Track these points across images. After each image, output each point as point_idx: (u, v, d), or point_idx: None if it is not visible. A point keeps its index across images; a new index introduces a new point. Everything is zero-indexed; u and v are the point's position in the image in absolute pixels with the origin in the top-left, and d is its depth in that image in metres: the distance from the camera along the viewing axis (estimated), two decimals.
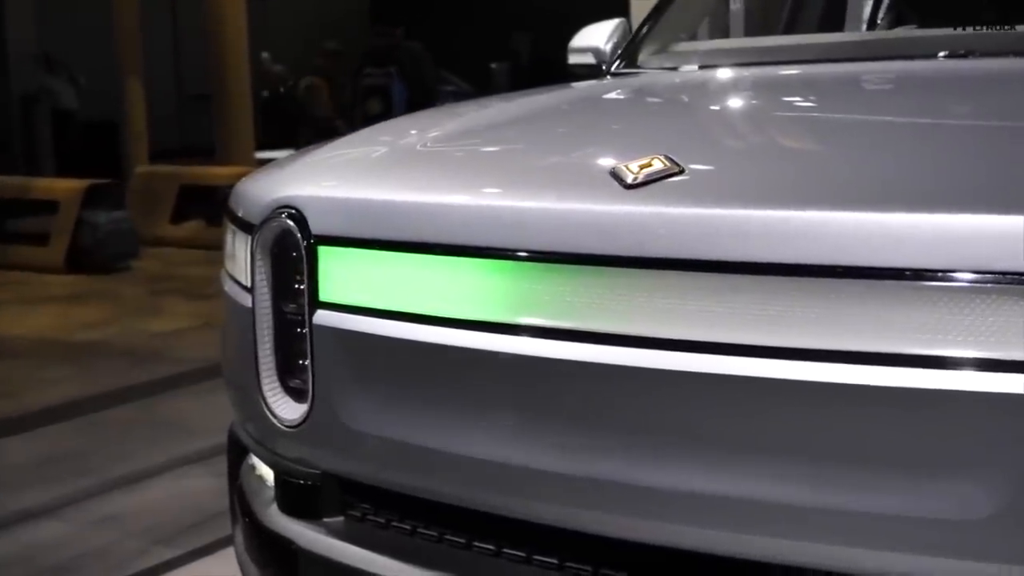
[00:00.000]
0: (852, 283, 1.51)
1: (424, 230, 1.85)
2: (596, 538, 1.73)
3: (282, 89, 15.37)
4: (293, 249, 2.00)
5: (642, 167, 1.72)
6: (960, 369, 1.46)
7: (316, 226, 1.97)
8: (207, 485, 4.29)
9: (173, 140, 17.84)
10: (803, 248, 1.53)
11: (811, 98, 2.49)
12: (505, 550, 1.84)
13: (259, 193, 2.14)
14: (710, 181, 1.76)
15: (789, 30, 4.00)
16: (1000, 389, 1.43)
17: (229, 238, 2.26)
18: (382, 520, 2.00)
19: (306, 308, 1.97)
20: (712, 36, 4.74)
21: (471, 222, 1.80)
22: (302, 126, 13.92)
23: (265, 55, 14.06)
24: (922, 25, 3.44)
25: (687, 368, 1.60)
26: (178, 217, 10.80)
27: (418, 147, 2.17)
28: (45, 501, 4.30)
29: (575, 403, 1.70)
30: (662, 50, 3.12)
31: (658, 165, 1.72)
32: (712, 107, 2.50)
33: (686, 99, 2.59)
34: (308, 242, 1.97)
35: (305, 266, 1.97)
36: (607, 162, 1.77)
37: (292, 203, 2.02)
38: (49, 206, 9.87)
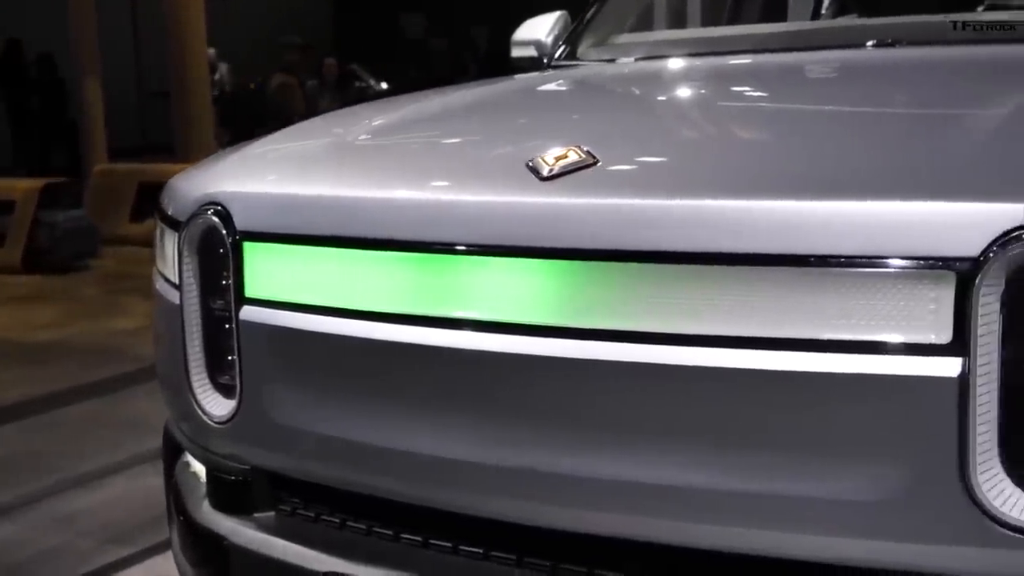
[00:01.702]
0: (761, 270, 1.52)
1: (345, 225, 1.85)
2: (519, 527, 1.74)
3: (227, 88, 15.09)
4: (219, 245, 2.00)
5: (558, 159, 1.73)
6: (864, 353, 1.48)
7: (241, 222, 1.97)
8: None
9: (134, 138, 17.75)
10: (709, 237, 1.54)
11: (737, 89, 2.50)
12: (432, 541, 1.85)
13: (186, 190, 2.14)
14: (623, 172, 1.77)
15: (733, 21, 4.02)
16: (901, 372, 1.45)
17: (159, 235, 2.26)
18: (312, 514, 2.00)
19: (232, 304, 1.97)
20: (661, 27, 4.75)
21: (391, 216, 1.81)
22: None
23: (211, 51, 13.87)
24: (863, 15, 3.46)
25: (601, 357, 1.61)
26: (137, 215, 10.71)
27: (344, 143, 2.17)
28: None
29: (496, 394, 1.71)
30: (602, 42, 3.13)
31: (573, 157, 1.73)
32: (640, 98, 2.51)
33: (617, 91, 2.60)
34: (233, 238, 1.97)
35: (231, 262, 1.97)
36: (526, 155, 1.78)
37: (217, 199, 2.02)
38: (6, 206, 9.80)
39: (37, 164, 15.84)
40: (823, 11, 4.06)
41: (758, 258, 1.52)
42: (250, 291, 1.96)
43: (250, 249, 1.96)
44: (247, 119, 14.04)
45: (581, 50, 3.12)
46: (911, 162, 1.66)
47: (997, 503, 1.44)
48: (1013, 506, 1.44)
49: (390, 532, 1.90)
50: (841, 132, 1.92)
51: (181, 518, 2.21)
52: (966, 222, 1.43)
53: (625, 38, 3.17)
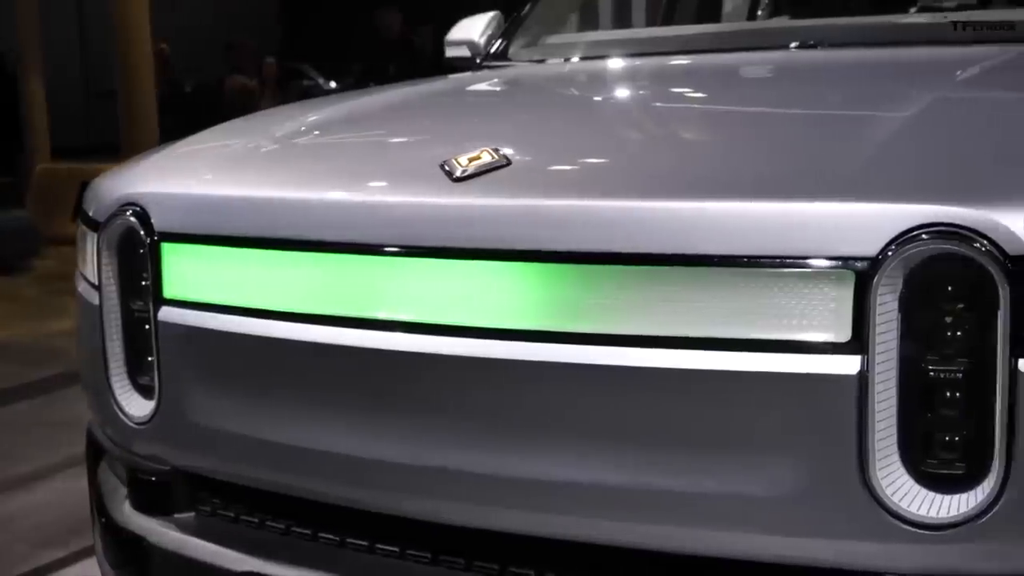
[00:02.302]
0: (665, 270, 1.54)
1: (260, 225, 1.85)
2: (435, 525, 1.75)
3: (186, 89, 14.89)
4: (137, 246, 2.00)
5: (471, 160, 1.75)
6: (767, 352, 1.50)
7: (159, 223, 1.97)
8: None
9: (80, 137, 17.59)
10: (613, 238, 1.56)
11: (655, 91, 2.53)
12: (350, 541, 1.86)
13: (106, 191, 2.13)
14: (533, 173, 1.78)
15: (667, 23, 4.06)
16: (801, 370, 1.48)
17: (79, 236, 2.24)
18: (231, 515, 2.00)
19: (151, 305, 1.97)
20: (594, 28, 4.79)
21: (306, 217, 1.81)
22: None
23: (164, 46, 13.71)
24: (795, 16, 3.51)
25: (510, 356, 1.62)
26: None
27: (265, 144, 2.17)
28: None
29: (411, 394, 1.72)
30: (533, 43, 3.15)
31: (486, 158, 1.75)
32: (562, 99, 2.53)
33: (541, 92, 2.62)
34: (151, 239, 1.97)
35: (149, 263, 1.97)
36: (442, 156, 1.79)
37: (136, 200, 2.01)
38: None
39: None
40: (759, 12, 4.11)
41: (661, 258, 1.54)
42: (168, 292, 1.96)
43: (168, 250, 1.96)
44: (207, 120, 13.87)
45: (513, 51, 3.13)
46: (814, 163, 1.68)
47: (896, 499, 1.47)
48: (911, 501, 1.47)
49: (308, 532, 1.90)
50: (750, 134, 1.95)
51: (103, 520, 2.20)
52: (864, 223, 1.46)
53: (556, 39, 3.18)
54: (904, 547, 1.48)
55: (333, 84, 17.41)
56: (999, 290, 1.41)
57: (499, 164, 1.74)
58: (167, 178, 2.09)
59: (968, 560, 1.47)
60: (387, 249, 1.72)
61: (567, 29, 3.41)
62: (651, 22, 4.29)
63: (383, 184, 1.85)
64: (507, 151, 1.77)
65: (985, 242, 1.41)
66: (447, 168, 1.74)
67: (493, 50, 3.16)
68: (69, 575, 3.68)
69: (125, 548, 2.11)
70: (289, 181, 1.96)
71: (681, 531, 1.57)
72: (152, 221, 1.98)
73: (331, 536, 1.87)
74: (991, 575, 1.47)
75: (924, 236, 1.43)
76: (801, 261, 1.48)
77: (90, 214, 2.18)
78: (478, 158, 1.75)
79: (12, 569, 3.70)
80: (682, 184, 1.67)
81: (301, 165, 2.07)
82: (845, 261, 1.46)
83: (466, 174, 1.72)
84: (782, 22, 3.42)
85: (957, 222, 1.43)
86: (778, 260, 1.49)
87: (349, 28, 17.52)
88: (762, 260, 1.49)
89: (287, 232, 1.82)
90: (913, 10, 3.02)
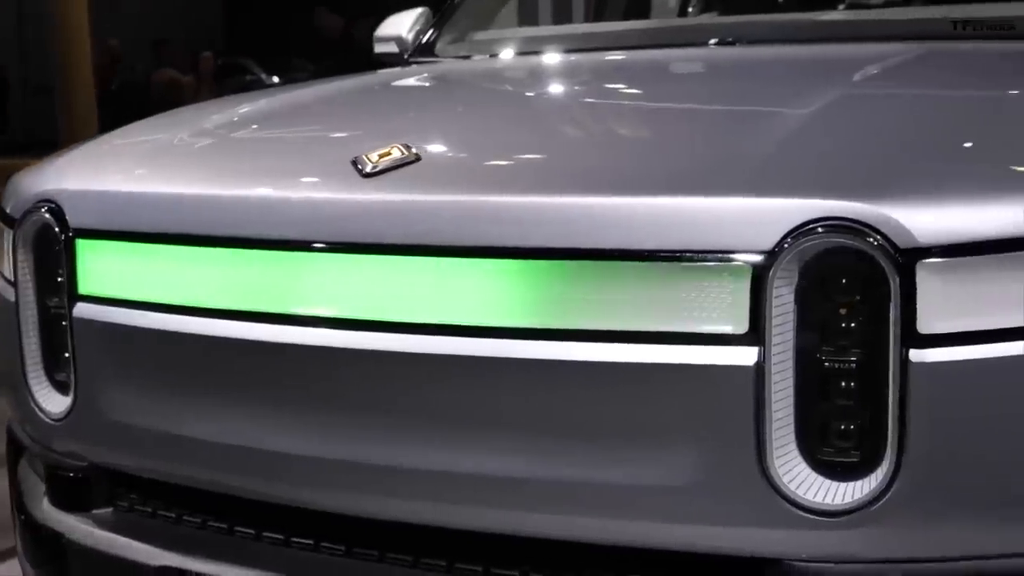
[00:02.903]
0: (567, 264, 1.56)
1: (172, 222, 1.86)
2: (346, 517, 1.77)
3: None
4: (53, 243, 1.99)
5: (381, 156, 1.76)
6: (668, 344, 1.52)
7: (74, 220, 1.97)
8: None
9: (18, 134, 17.40)
10: (517, 233, 1.58)
11: (570, 88, 2.55)
12: (265, 534, 1.86)
13: (23, 188, 2.12)
14: (442, 169, 1.80)
15: (598, 19, 4.08)
16: (701, 361, 1.50)
17: None
18: (149, 510, 2.00)
19: (66, 301, 1.96)
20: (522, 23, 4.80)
21: (219, 213, 1.82)
22: None
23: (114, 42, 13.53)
24: (723, 13, 3.54)
25: (421, 351, 1.64)
26: None
27: (182, 140, 2.17)
28: None
29: (318, 387, 1.73)
30: (460, 39, 3.16)
31: (397, 154, 1.76)
32: (480, 95, 2.55)
33: (460, 87, 2.64)
34: (66, 235, 1.96)
35: (64, 260, 1.96)
36: (354, 151, 1.80)
37: (51, 197, 2.01)
38: None
39: None
40: (689, 9, 4.15)
41: (564, 252, 1.56)
42: (84, 288, 1.96)
43: (83, 247, 1.96)
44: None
45: (440, 47, 3.13)
46: (715, 160, 1.72)
47: (793, 486, 1.50)
48: (808, 489, 1.50)
49: (225, 527, 1.90)
50: (656, 131, 1.99)
51: (22, 518, 2.19)
52: (760, 217, 1.49)
53: (482, 35, 3.19)
54: (801, 533, 1.51)
55: (276, 79, 17.29)
56: (890, 282, 1.44)
57: (409, 160, 1.75)
58: (82, 175, 2.08)
59: (863, 546, 1.50)
60: (300, 244, 1.73)
61: (496, 25, 3.41)
62: (580, 19, 4.32)
63: (295, 180, 1.86)
64: (418, 147, 1.79)
65: (877, 236, 1.45)
66: (358, 164, 1.75)
67: (420, 46, 3.17)
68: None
69: (44, 545, 2.10)
70: (202, 178, 1.97)
71: (586, 520, 1.59)
72: (67, 218, 1.97)
73: (247, 530, 1.88)
74: (885, 560, 1.51)
75: (818, 230, 1.46)
76: (701, 255, 1.50)
77: (7, 211, 2.17)
78: (388, 154, 1.76)
79: None
80: (586, 180, 1.69)
81: (215, 162, 2.07)
82: (742, 255, 1.49)
83: (376, 170, 1.73)
84: (703, 19, 3.45)
85: (850, 216, 1.46)
86: (679, 254, 1.51)
87: (291, 23, 17.41)
88: (664, 254, 1.52)
89: (199, 228, 1.82)
90: (839, 8, 3.07)
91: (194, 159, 2.08)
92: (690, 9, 4.19)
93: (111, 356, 1.94)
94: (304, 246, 1.73)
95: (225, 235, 1.80)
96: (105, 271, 1.95)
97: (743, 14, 3.12)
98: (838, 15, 2.78)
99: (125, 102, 13.10)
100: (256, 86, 15.28)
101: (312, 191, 1.78)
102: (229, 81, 15.54)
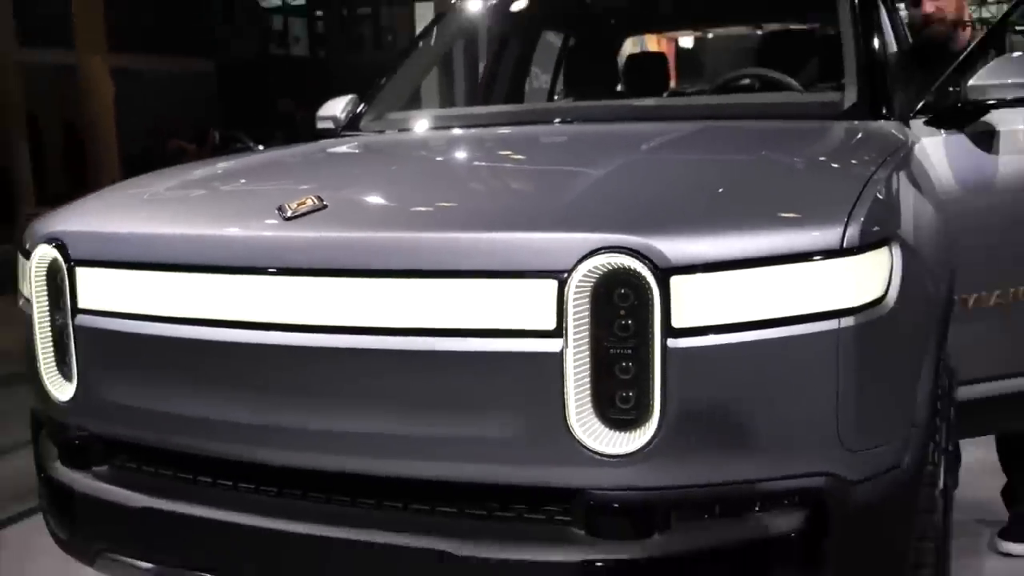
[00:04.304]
0: (430, 281, 1.63)
1: (145, 253, 1.90)
2: (277, 467, 1.81)
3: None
4: (59, 270, 2.01)
5: (299, 204, 1.82)
6: (502, 337, 1.60)
7: (75, 253, 1.99)
8: None
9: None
10: (396, 259, 1.66)
11: (446, 153, 2.61)
12: (219, 481, 1.90)
13: (36, 230, 2.14)
14: (340, 214, 1.85)
15: (486, 102, 4.14)
16: (523, 350, 1.59)
17: (19, 264, 2.24)
18: (134, 466, 2.03)
19: (69, 314, 1.99)
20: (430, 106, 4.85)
21: (177, 246, 1.87)
22: None
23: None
24: (578, 99, 3.62)
25: (324, 344, 1.70)
26: None
27: (157, 192, 2.19)
28: None
29: (253, 372, 1.78)
30: (379, 117, 3.20)
31: (310, 203, 1.82)
32: (382, 159, 2.59)
33: (370, 153, 2.68)
34: (69, 264, 1.99)
35: (67, 282, 1.99)
36: (281, 201, 1.85)
37: (57, 236, 2.03)
38: None
39: None
40: (555, 97, 4.24)
41: (425, 272, 1.63)
42: (82, 304, 1.98)
43: (82, 273, 1.98)
44: None
45: (363, 123, 3.16)
46: (533, 204, 1.80)
47: (589, 439, 1.58)
48: (600, 440, 1.58)
49: (190, 476, 1.94)
50: (496, 183, 2.10)
51: (42, 475, 2.20)
52: (561, 246, 1.57)
53: (395, 115, 3.24)
54: (597, 471, 1.59)
55: (261, 148, 17.10)
56: (653, 291, 1.54)
57: (318, 207, 1.81)
58: (81, 219, 2.10)
59: (639, 478, 1.59)
60: (236, 270, 1.78)
61: (407, 107, 3.46)
62: (474, 102, 4.37)
63: (236, 222, 1.90)
64: (328, 197, 1.85)
65: (644, 259, 1.54)
66: (282, 211, 1.81)
67: (349, 122, 3.21)
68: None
69: (58, 495, 2.11)
70: (170, 220, 2.00)
71: (449, 464, 1.66)
72: (69, 251, 1.99)
73: (206, 479, 1.92)
74: (654, 488, 1.59)
75: (603, 254, 1.55)
76: (522, 273, 1.59)
77: (26, 247, 2.18)
78: (304, 203, 1.82)
79: None
80: (441, 219, 1.77)
81: (180, 208, 2.10)
82: (551, 273, 1.57)
83: (294, 215, 1.79)
84: (551, 104, 3.53)
85: (624, 245, 1.55)
86: (508, 272, 1.59)
87: (271, 103, 17.29)
88: (497, 272, 1.60)
89: (167, 258, 1.86)
90: (664, 95, 3.17)
91: (166, 206, 2.11)
92: (556, 96, 4.28)
93: (104, 353, 1.97)
94: (242, 270, 1.78)
95: (185, 263, 1.84)
96: (98, 290, 1.97)
97: (590, 100, 3.21)
98: (648, 102, 2.87)
99: (144, 163, 13.04)
100: (245, 151, 15.14)
101: (249, 230, 1.84)
102: (225, 149, 15.44)
